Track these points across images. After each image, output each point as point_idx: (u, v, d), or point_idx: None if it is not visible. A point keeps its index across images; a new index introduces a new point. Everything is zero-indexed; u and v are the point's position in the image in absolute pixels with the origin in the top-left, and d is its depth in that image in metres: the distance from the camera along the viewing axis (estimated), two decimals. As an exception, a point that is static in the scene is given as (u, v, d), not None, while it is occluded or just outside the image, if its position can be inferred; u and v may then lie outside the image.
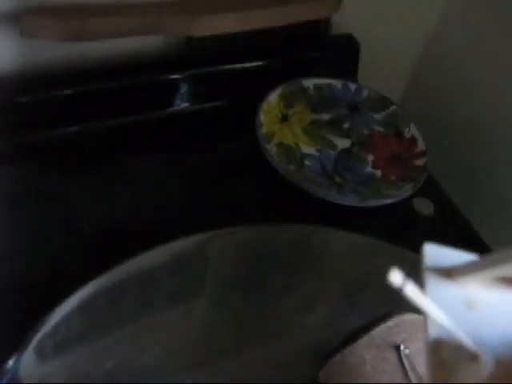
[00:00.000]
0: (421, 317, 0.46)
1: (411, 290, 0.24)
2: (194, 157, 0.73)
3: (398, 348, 0.44)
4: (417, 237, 0.70)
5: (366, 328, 0.45)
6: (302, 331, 0.51)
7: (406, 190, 0.71)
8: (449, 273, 0.28)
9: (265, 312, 0.53)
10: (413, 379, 0.42)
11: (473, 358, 0.24)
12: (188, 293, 0.55)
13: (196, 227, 0.58)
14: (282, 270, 0.59)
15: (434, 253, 0.29)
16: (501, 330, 0.27)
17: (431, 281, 0.28)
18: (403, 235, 0.70)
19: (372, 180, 0.73)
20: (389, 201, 0.70)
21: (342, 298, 0.55)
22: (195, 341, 0.52)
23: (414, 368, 0.43)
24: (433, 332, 0.26)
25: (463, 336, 0.24)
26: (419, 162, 0.74)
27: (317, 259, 0.62)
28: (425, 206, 0.74)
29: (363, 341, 0.44)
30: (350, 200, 0.68)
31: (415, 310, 0.48)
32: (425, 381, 0.42)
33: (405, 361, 0.43)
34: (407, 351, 0.43)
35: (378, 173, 0.74)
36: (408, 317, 0.46)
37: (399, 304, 0.52)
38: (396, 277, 0.23)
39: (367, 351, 0.43)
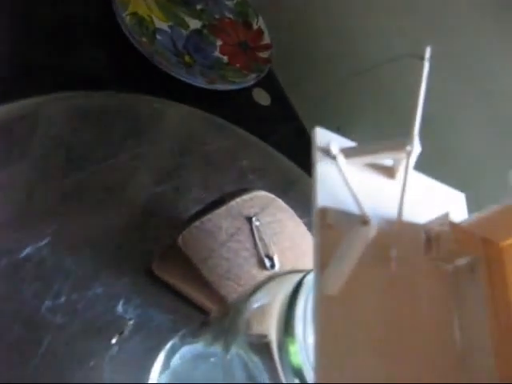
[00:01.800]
0: (271, 194, 0.52)
1: (341, 161, 0.28)
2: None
3: (250, 220, 0.49)
4: (254, 124, 0.75)
5: (223, 200, 0.49)
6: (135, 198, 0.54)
7: (250, 79, 0.75)
8: (338, 152, 0.33)
9: (90, 178, 0.55)
10: (260, 247, 0.48)
11: (363, 221, 0.29)
12: (13, 155, 0.55)
13: (34, 89, 0.57)
14: (113, 137, 0.60)
15: (323, 136, 0.34)
16: (370, 202, 0.33)
17: (321, 159, 0.32)
18: (242, 121, 0.74)
19: (219, 65, 0.76)
20: (233, 87, 0.73)
21: (184, 171, 0.59)
22: (18, 201, 0.52)
23: (262, 238, 0.48)
24: (322, 200, 0.31)
25: (358, 203, 0.29)
26: (264, 55, 0.78)
27: (153, 130, 0.64)
28: (263, 97, 0.79)
29: (220, 211, 0.48)
30: (197, 80, 0.71)
31: (264, 188, 0.54)
32: (271, 248, 0.48)
33: (255, 231, 0.48)
34: (258, 223, 0.49)
35: (225, 58, 0.77)
36: (261, 193, 0.51)
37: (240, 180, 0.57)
38: (334, 147, 0.26)
39: (224, 220, 0.48)
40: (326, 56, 0.82)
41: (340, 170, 0.28)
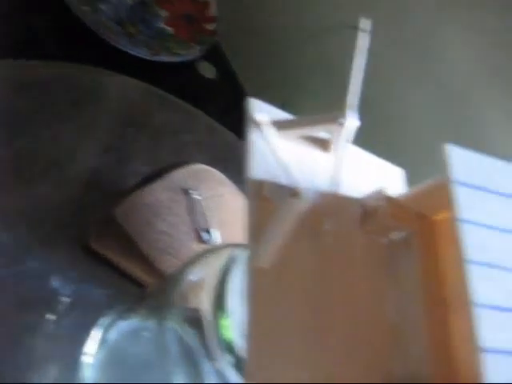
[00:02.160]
0: (211, 168, 0.51)
1: (267, 130, 0.27)
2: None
3: (189, 193, 0.48)
4: (199, 97, 0.74)
5: (161, 172, 0.48)
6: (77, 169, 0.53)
7: (195, 52, 0.73)
8: (273, 124, 0.32)
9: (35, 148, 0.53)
10: (199, 221, 0.47)
11: (294, 193, 0.28)
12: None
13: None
14: (51, 109, 0.58)
15: (257, 106, 0.33)
16: (305, 175, 0.32)
17: (254, 131, 0.32)
18: (187, 94, 0.73)
19: (163, 36, 0.74)
20: (178, 59, 0.72)
21: (124, 142, 0.57)
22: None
23: (201, 212, 0.48)
24: (256, 172, 0.30)
25: (289, 175, 0.28)
26: (209, 27, 0.76)
27: (94, 102, 0.62)
28: (208, 70, 0.78)
29: (158, 184, 0.47)
30: (140, 51, 0.69)
31: (206, 162, 0.53)
32: (211, 222, 0.47)
33: (194, 205, 0.47)
34: (197, 197, 0.48)
35: (170, 30, 0.75)
36: (200, 166, 0.50)
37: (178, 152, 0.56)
38: (261, 117, 0.26)
39: (161, 193, 0.47)
40: (273, 29, 0.81)
41: (267, 141, 0.27)
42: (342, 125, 0.31)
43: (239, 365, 0.32)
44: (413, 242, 0.34)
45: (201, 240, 0.47)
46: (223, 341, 0.32)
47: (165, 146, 0.58)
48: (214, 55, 0.78)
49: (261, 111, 0.33)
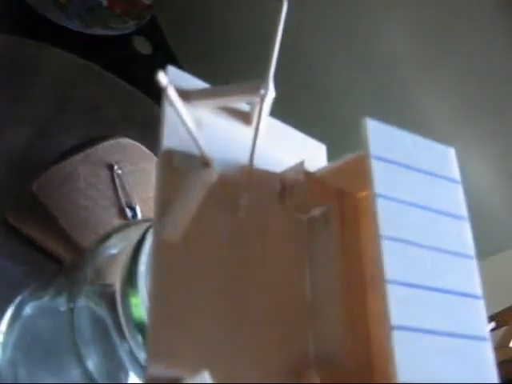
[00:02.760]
0: (136, 142, 0.49)
1: (171, 93, 0.26)
2: None
3: (111, 168, 0.46)
4: (134, 72, 0.72)
5: (83, 146, 0.46)
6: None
7: (130, 26, 0.71)
8: (186, 95, 0.31)
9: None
10: (121, 196, 0.46)
11: (204, 164, 0.27)
12: None
13: None
14: None
15: (176, 75, 0.31)
16: (223, 148, 0.31)
17: (171, 99, 0.30)
18: (120, 69, 0.71)
19: (98, 8, 0.72)
20: (112, 32, 0.69)
21: (50, 116, 0.55)
22: None
23: (124, 187, 0.46)
24: (168, 143, 0.29)
25: (197, 144, 0.27)
26: (146, 1, 0.74)
27: (24, 74, 0.60)
28: (144, 45, 0.76)
29: (79, 157, 0.45)
30: (73, 24, 0.66)
31: (135, 137, 0.51)
32: (134, 198, 0.46)
33: (116, 180, 0.46)
34: (120, 171, 0.46)
35: (104, 2, 0.73)
36: (124, 140, 0.48)
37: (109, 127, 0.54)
38: (163, 78, 0.24)
39: (84, 167, 0.45)
40: (210, 3, 0.79)
41: (177, 110, 0.26)
42: (262, 96, 0.30)
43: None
44: (332, 219, 0.33)
45: (123, 216, 0.45)
46: (134, 320, 0.31)
47: (95, 120, 0.56)
48: (150, 30, 0.76)
49: (181, 81, 0.31)
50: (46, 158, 0.49)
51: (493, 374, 0.26)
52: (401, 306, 0.25)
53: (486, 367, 0.26)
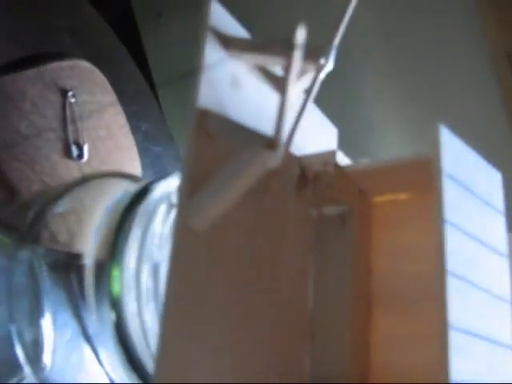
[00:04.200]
0: (95, 68, 0.41)
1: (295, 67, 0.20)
2: None
3: (65, 94, 0.38)
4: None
5: (34, 61, 0.38)
6: None
7: None
8: (226, 42, 0.25)
9: None
10: (70, 130, 0.38)
11: (268, 144, 0.21)
12: None
13: None
14: None
15: (219, 15, 0.25)
16: (253, 116, 0.25)
17: (211, 43, 0.24)
18: None
19: None
20: None
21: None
22: None
23: (74, 120, 0.38)
24: (205, 100, 0.23)
25: (280, 125, 0.21)
26: None
27: None
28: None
29: (30, 73, 0.37)
30: None
31: (89, 57, 0.43)
32: (83, 134, 0.39)
33: (68, 110, 0.38)
34: (73, 100, 0.38)
35: None
36: (83, 64, 0.40)
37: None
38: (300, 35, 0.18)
39: (31, 86, 0.37)
40: None
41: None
42: (320, 66, 0.24)
43: (120, 323, 0.25)
44: (349, 221, 0.29)
45: (68, 154, 0.38)
46: (109, 294, 0.25)
47: (35, 27, 0.47)
48: None
49: (223, 23, 0.25)
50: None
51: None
52: (459, 359, 0.21)
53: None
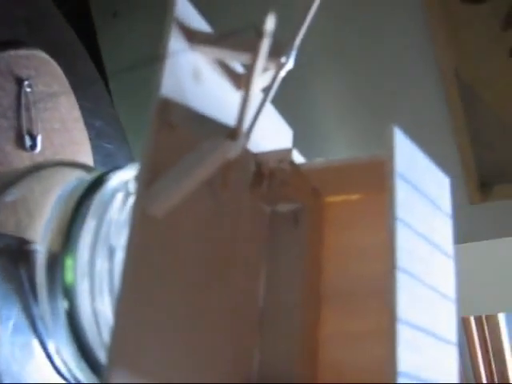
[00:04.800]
0: (50, 58, 0.41)
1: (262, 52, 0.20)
2: None
3: (20, 82, 0.38)
4: None
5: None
6: None
7: None
8: (191, 35, 0.25)
9: None
10: (24, 120, 0.37)
11: (230, 134, 0.22)
12: None
13: None
14: None
15: (184, 10, 0.25)
16: (213, 109, 0.26)
17: (174, 35, 0.24)
18: None
19: None
20: None
21: None
22: None
23: (29, 110, 0.38)
24: (167, 92, 0.23)
25: (241, 116, 0.22)
26: None
27: None
28: None
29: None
30: None
31: (45, 48, 0.42)
32: (37, 125, 0.38)
33: (23, 99, 0.38)
34: (29, 90, 0.38)
35: None
36: (39, 53, 0.39)
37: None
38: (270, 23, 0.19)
39: (-14, 73, 0.36)
40: None
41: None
42: (280, 65, 0.25)
43: (73, 312, 0.25)
44: (302, 219, 0.29)
45: (21, 144, 0.37)
46: (62, 283, 0.25)
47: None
48: None
49: (187, 17, 0.25)
50: None
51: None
52: (407, 351, 0.22)
53: None
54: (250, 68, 0.23)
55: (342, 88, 0.67)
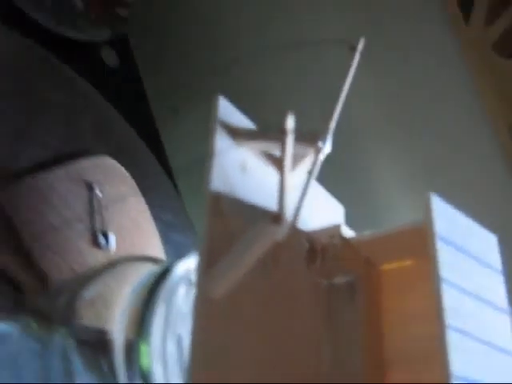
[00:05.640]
0: (117, 163, 0.45)
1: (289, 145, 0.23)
2: None
3: (91, 188, 0.41)
4: (99, 82, 0.67)
5: (61, 159, 0.42)
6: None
7: (102, 34, 0.67)
8: (233, 132, 0.28)
9: None
10: (97, 221, 0.41)
11: (276, 219, 0.24)
12: None
13: None
14: None
15: (226, 108, 0.28)
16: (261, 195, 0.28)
17: (220, 133, 0.27)
18: (86, 75, 0.66)
19: (72, 9, 0.67)
20: (83, 37, 0.65)
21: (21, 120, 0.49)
22: None
23: (101, 212, 0.41)
24: (217, 185, 0.26)
25: (282, 202, 0.24)
26: (122, 13, 0.70)
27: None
28: (111, 57, 0.71)
29: (59, 171, 0.40)
30: (43, 18, 0.61)
31: (111, 153, 0.46)
32: (110, 225, 0.42)
33: (94, 203, 0.41)
34: (99, 193, 0.42)
35: (81, 4, 0.68)
36: (107, 160, 0.44)
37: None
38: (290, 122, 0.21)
39: (60, 182, 0.40)
40: (186, 33, 0.76)
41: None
42: (319, 149, 0.27)
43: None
44: (358, 289, 0.31)
45: (95, 243, 0.40)
46: (140, 369, 0.27)
47: (59, 128, 0.50)
48: (120, 44, 0.72)
49: (229, 115, 0.28)
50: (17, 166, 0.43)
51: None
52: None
53: None
54: (282, 155, 0.25)
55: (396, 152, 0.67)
